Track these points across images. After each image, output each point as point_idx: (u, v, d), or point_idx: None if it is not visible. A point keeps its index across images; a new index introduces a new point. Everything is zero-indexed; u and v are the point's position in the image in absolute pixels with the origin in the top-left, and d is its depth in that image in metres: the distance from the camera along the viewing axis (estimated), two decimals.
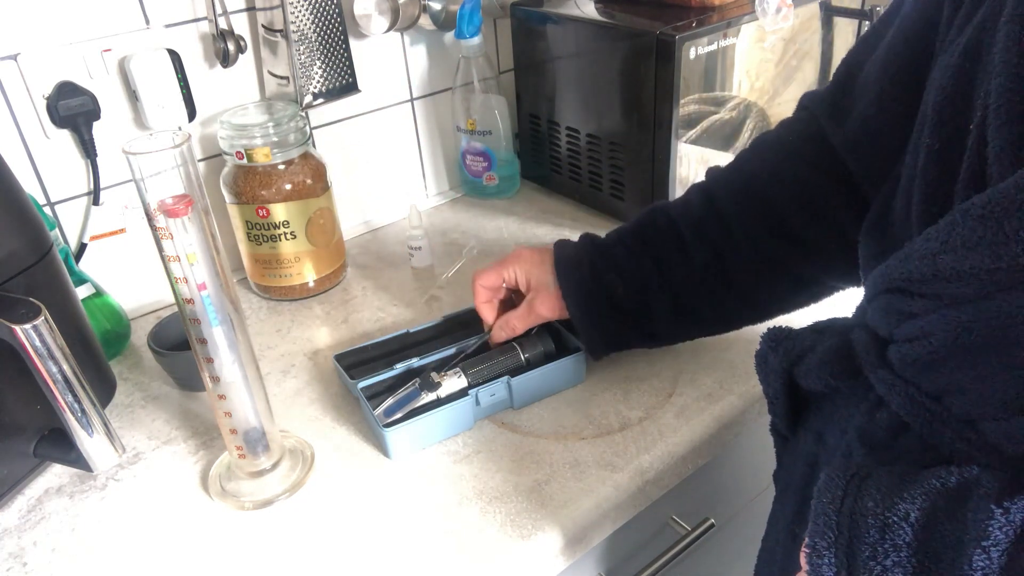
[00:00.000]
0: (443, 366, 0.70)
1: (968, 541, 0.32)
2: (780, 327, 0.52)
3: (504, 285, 0.72)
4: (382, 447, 0.66)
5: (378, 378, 0.70)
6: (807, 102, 0.61)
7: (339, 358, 0.74)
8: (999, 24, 0.36)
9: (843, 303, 0.64)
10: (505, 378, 0.68)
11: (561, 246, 0.70)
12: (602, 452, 0.65)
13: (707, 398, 0.70)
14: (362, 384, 0.68)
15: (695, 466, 0.67)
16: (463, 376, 0.69)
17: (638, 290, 0.66)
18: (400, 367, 0.71)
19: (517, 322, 0.70)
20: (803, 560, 0.38)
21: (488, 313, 0.73)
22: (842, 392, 0.46)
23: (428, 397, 0.67)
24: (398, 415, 0.66)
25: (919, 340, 0.38)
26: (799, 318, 0.63)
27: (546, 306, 0.69)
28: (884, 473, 0.38)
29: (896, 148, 0.46)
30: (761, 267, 0.63)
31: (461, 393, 0.68)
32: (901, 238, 0.44)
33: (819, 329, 0.50)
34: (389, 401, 0.67)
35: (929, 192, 0.40)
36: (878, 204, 0.49)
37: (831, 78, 0.57)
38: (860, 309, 0.45)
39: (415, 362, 0.71)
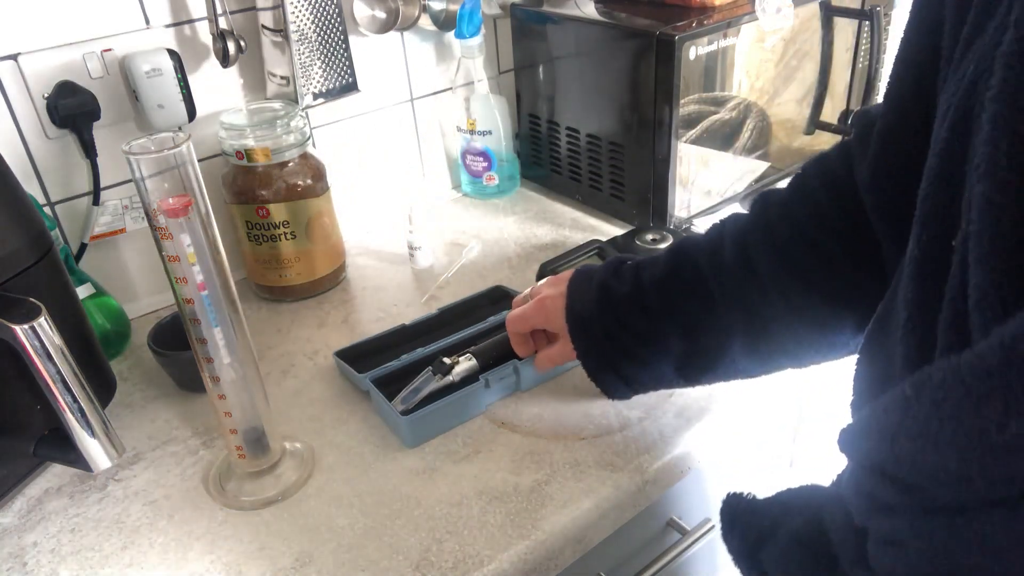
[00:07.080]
0: (453, 351, 0.71)
1: None
2: (739, 496, 0.45)
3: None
4: (400, 436, 0.67)
5: (386, 369, 0.70)
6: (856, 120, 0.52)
7: (339, 355, 0.74)
8: (985, 96, 0.27)
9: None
10: (512, 362, 0.70)
11: (575, 295, 0.64)
12: (602, 452, 0.65)
13: (707, 398, 0.70)
14: (371, 376, 0.69)
15: (695, 466, 0.67)
16: (474, 359, 0.69)
17: (658, 352, 0.61)
18: (407, 357, 0.72)
19: (558, 357, 0.68)
20: None
21: (522, 349, 0.71)
22: None
23: (441, 382, 0.68)
24: (416, 401, 0.67)
25: (894, 546, 0.31)
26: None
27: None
28: None
29: (899, 196, 0.39)
30: (789, 323, 0.57)
31: (472, 377, 0.69)
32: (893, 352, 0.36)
33: (785, 501, 0.43)
34: (404, 391, 0.68)
35: (913, 312, 0.33)
36: (886, 299, 0.42)
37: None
38: (839, 477, 0.39)
39: (421, 351, 0.72)
